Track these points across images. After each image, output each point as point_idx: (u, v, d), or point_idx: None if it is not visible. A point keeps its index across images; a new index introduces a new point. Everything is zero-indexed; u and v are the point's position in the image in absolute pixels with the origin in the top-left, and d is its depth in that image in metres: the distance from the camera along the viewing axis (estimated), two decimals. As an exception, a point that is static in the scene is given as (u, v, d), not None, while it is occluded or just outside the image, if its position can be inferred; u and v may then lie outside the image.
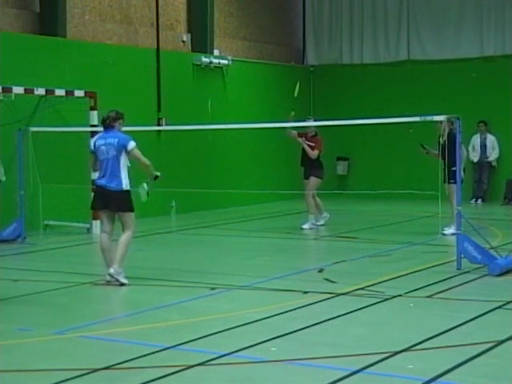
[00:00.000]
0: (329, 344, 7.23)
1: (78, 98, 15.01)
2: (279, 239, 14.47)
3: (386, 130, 19.26)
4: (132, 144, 10.14)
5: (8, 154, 14.20)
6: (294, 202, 18.96)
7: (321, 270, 10.89)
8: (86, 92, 15.08)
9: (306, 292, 9.47)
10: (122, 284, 9.97)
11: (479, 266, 10.58)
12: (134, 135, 10.50)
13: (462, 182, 11.17)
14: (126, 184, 10.15)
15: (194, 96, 18.96)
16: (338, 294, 9.32)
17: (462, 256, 10.65)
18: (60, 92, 14.72)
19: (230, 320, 8.10)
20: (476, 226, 11.20)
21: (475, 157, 20.47)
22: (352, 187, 21.45)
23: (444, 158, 12.68)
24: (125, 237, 10.14)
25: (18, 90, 14.05)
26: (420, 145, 14.58)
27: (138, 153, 10.20)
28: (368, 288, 9.63)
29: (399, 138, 20.73)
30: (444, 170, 13.13)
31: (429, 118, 11.03)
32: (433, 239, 13.26)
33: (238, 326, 7.85)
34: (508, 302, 8.76)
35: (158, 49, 18.12)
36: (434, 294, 9.25)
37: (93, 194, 10.81)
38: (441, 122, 11.52)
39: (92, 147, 10.44)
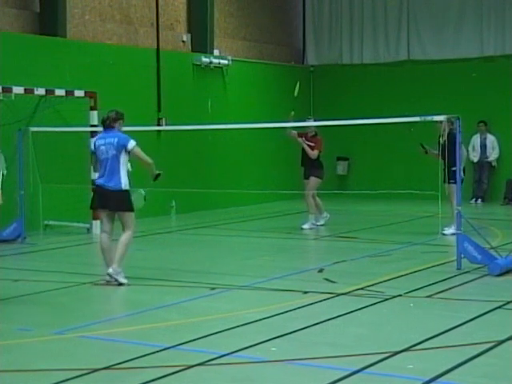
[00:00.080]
0: (329, 344, 7.23)
1: (78, 97, 15.01)
2: (279, 239, 14.47)
3: (386, 130, 19.26)
4: (132, 143, 10.14)
5: (8, 154, 14.19)
6: (293, 202, 18.96)
7: (321, 270, 10.89)
8: (85, 92, 15.08)
9: (306, 292, 9.47)
10: (121, 284, 9.97)
11: (479, 265, 10.58)
12: (133, 135, 10.50)
13: (462, 181, 11.17)
14: (124, 184, 10.13)
15: (194, 96, 18.96)
16: (338, 294, 9.32)
17: (462, 256, 10.65)
18: (60, 92, 14.72)
19: (229, 320, 8.10)
20: (476, 226, 11.20)
21: (475, 157, 20.47)
22: (352, 187, 21.45)
23: (444, 158, 12.68)
24: (125, 237, 10.13)
25: (18, 89, 14.05)
26: (420, 144, 14.59)
27: (139, 151, 10.19)
28: (368, 288, 9.63)
29: (399, 138, 20.73)
30: (444, 170, 13.14)
31: (429, 118, 11.04)
32: (433, 239, 13.26)
33: (237, 326, 7.85)
34: (508, 302, 8.76)
35: (158, 49, 18.12)
36: (433, 294, 9.25)
37: (92, 193, 10.82)
38: (441, 122, 11.52)
39: (92, 147, 10.45)
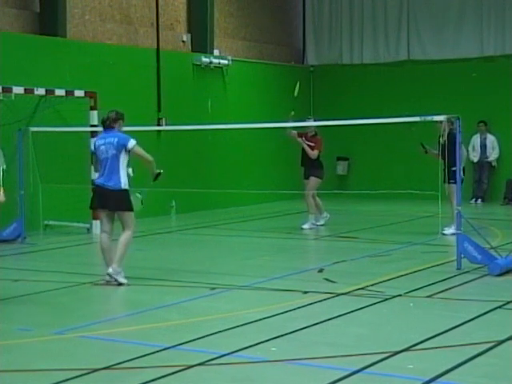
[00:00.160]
0: (329, 344, 7.23)
1: (78, 97, 15.01)
2: (279, 239, 14.47)
3: (386, 130, 19.27)
4: (132, 142, 10.13)
5: (8, 153, 14.19)
6: (294, 202, 18.96)
7: (321, 270, 10.89)
8: (86, 92, 15.08)
9: (305, 292, 9.47)
10: (121, 284, 9.97)
11: (479, 265, 10.58)
12: (134, 135, 10.49)
13: (461, 181, 11.17)
14: (124, 183, 10.12)
15: (194, 96, 18.96)
16: (338, 294, 9.32)
17: (462, 256, 10.65)
18: (60, 92, 14.72)
19: (229, 320, 8.10)
20: (476, 226, 11.20)
21: (475, 157, 20.47)
22: (352, 187, 21.43)
23: (444, 158, 12.68)
24: (124, 236, 10.13)
25: (18, 90, 14.05)
26: (420, 144, 14.58)
27: (139, 149, 10.19)
28: (368, 288, 9.63)
29: (399, 138, 20.72)
30: (444, 170, 13.14)
31: (429, 118, 11.03)
32: (433, 239, 13.26)
33: (237, 326, 7.85)
34: (508, 302, 8.76)
35: (158, 49, 18.12)
36: (434, 294, 9.25)
37: (92, 193, 10.81)
38: (441, 122, 11.52)
39: (92, 148, 10.45)
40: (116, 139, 10.13)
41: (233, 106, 19.95)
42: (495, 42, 20.77)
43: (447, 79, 21.14)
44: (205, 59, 19.04)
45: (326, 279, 10.24)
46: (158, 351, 6.98)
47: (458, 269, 10.63)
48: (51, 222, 15.18)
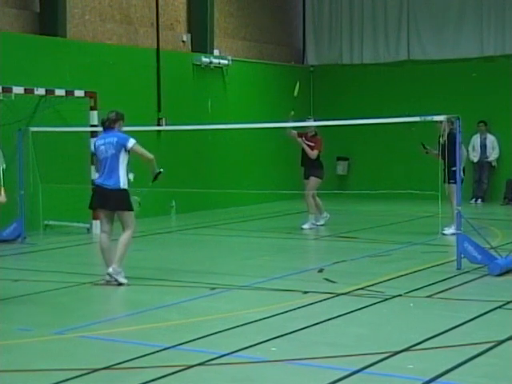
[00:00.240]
0: (329, 344, 7.23)
1: (78, 97, 15.01)
2: (279, 239, 14.47)
3: (386, 130, 19.27)
4: (132, 141, 10.12)
5: (8, 154, 14.18)
6: (294, 202, 18.96)
7: (321, 270, 10.89)
8: (86, 92, 15.08)
9: (306, 292, 9.47)
10: (121, 284, 9.97)
11: (479, 265, 10.58)
12: (134, 135, 10.48)
13: (461, 182, 11.17)
14: (123, 183, 10.12)
15: (194, 96, 18.96)
16: (338, 294, 9.32)
17: (462, 256, 10.65)
18: (60, 92, 14.72)
19: (229, 320, 8.10)
20: (476, 226, 11.20)
21: (475, 157, 20.47)
22: (352, 187, 21.43)
23: (444, 158, 12.68)
24: (124, 236, 10.12)
25: (18, 90, 14.05)
26: (420, 143, 14.58)
27: (139, 148, 10.18)
28: (368, 288, 9.63)
29: (399, 138, 20.73)
30: (444, 170, 13.14)
31: (429, 118, 11.03)
32: (433, 239, 13.26)
33: (237, 326, 7.85)
34: (508, 302, 8.76)
35: (158, 49, 18.12)
36: (434, 294, 9.25)
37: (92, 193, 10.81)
38: (441, 122, 11.52)
39: (92, 148, 10.45)
40: (115, 139, 10.13)
41: (233, 106, 19.95)
42: (495, 41, 20.77)
43: (447, 79, 21.15)
44: (205, 59, 19.04)
45: (326, 279, 10.24)
46: (157, 351, 6.98)
47: (457, 269, 10.63)
48: (51, 222, 15.18)
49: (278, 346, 7.13)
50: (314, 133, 15.46)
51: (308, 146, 15.36)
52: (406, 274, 10.55)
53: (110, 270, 9.99)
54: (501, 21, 20.70)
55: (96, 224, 14.13)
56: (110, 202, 10.07)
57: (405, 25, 21.74)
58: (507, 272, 10.35)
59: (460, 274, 10.41)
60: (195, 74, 19.13)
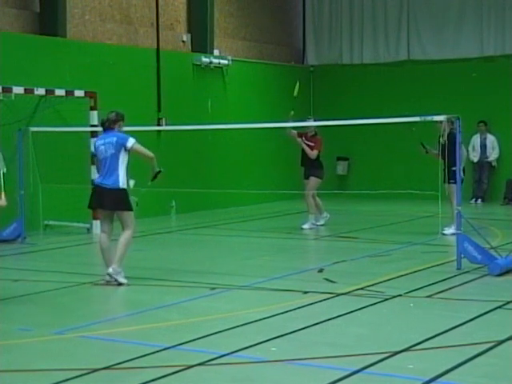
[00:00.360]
0: (329, 344, 7.23)
1: (78, 97, 15.01)
2: (279, 239, 14.47)
3: (386, 130, 19.26)
4: (131, 141, 10.12)
5: (8, 154, 14.17)
6: (294, 202, 18.96)
7: (321, 270, 10.89)
8: (86, 92, 15.08)
9: (306, 292, 9.47)
10: (120, 284, 9.96)
11: (479, 265, 10.58)
12: (134, 135, 10.47)
13: (461, 181, 11.17)
14: (122, 182, 10.10)
15: (194, 96, 18.96)
16: (338, 294, 9.32)
17: (462, 256, 10.65)
18: (60, 92, 14.72)
19: (229, 320, 8.10)
20: (476, 226, 11.20)
21: (475, 157, 20.47)
22: (352, 187, 21.43)
23: (444, 158, 12.68)
24: (124, 236, 10.12)
25: (18, 90, 14.05)
26: (420, 143, 14.58)
27: (139, 147, 10.17)
28: (368, 288, 9.63)
29: (399, 138, 20.70)
30: (444, 170, 13.14)
31: (429, 118, 11.03)
32: (433, 239, 13.26)
33: (237, 326, 7.85)
34: (508, 302, 8.76)
35: (158, 49, 18.11)
36: (433, 294, 9.25)
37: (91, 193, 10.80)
38: (441, 122, 11.52)
39: (93, 149, 10.45)
40: (115, 139, 10.13)
41: (233, 106, 19.95)
42: (495, 41, 20.77)
43: (447, 79, 21.15)
44: (205, 59, 19.04)
45: (326, 279, 10.24)
46: (157, 351, 6.98)
47: (458, 269, 10.63)
48: (51, 222, 15.18)
49: (278, 346, 7.13)
50: (313, 133, 15.46)
51: (308, 145, 15.36)
52: (406, 274, 10.55)
53: (110, 270, 9.99)
54: (501, 21, 20.70)
55: (96, 224, 14.14)
56: (108, 201, 10.06)
57: (405, 25, 21.74)
58: (507, 272, 10.35)
59: (460, 274, 10.41)
60: (195, 74, 19.13)
